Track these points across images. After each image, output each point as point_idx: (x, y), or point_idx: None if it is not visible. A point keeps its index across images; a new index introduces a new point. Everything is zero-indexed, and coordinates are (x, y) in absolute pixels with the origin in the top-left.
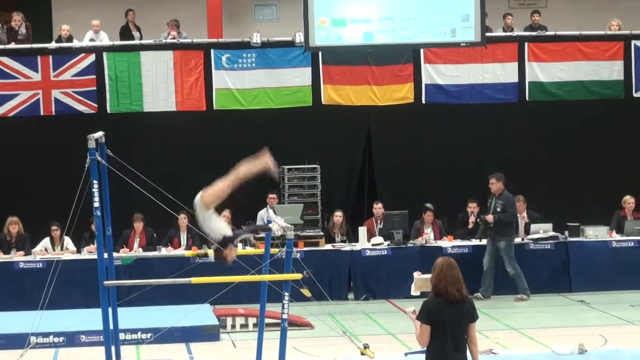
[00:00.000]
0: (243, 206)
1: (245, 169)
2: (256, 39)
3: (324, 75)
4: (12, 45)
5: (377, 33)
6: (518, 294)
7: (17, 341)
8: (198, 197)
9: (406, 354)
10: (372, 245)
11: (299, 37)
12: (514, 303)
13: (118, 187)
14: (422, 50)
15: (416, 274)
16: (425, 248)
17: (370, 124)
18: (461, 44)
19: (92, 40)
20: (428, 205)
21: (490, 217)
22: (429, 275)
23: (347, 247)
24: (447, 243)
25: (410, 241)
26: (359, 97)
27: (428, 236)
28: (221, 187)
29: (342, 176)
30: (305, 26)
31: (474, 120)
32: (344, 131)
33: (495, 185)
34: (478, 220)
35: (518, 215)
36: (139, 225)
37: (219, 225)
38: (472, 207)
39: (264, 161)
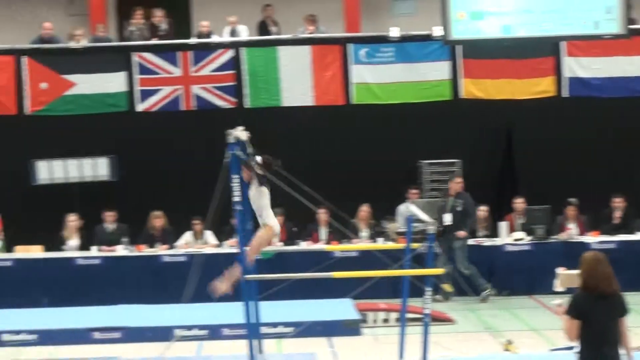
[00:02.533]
0: (382, 201)
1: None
2: (394, 33)
3: (464, 69)
4: (154, 41)
5: (516, 26)
6: (480, 294)
7: (162, 334)
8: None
9: (552, 350)
10: (514, 240)
11: (437, 31)
12: None
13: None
14: (563, 43)
15: (560, 270)
16: (569, 243)
17: (511, 117)
18: (604, 37)
19: (231, 35)
20: (571, 200)
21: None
22: (573, 271)
23: (488, 242)
24: (591, 238)
25: (553, 236)
26: (498, 91)
27: (571, 231)
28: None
29: (482, 170)
30: (444, 20)
31: (617, 114)
32: (484, 125)
33: (457, 185)
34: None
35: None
36: (278, 219)
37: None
38: (618, 202)
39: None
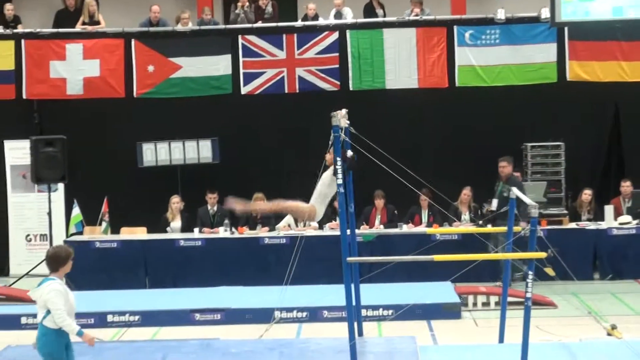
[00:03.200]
0: (485, 184)
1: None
2: (500, 15)
3: (570, 51)
4: (259, 24)
5: (627, 8)
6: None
7: (263, 315)
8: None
9: None
10: (620, 224)
11: (545, 13)
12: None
13: (360, 164)
14: None
15: None
16: None
17: (618, 100)
18: None
19: (336, 17)
20: None
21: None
22: None
23: (592, 225)
24: None
25: None
26: (606, 73)
27: None
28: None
29: (588, 154)
30: (552, 1)
31: None
32: (590, 108)
33: (507, 168)
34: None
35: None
36: (379, 202)
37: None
38: None
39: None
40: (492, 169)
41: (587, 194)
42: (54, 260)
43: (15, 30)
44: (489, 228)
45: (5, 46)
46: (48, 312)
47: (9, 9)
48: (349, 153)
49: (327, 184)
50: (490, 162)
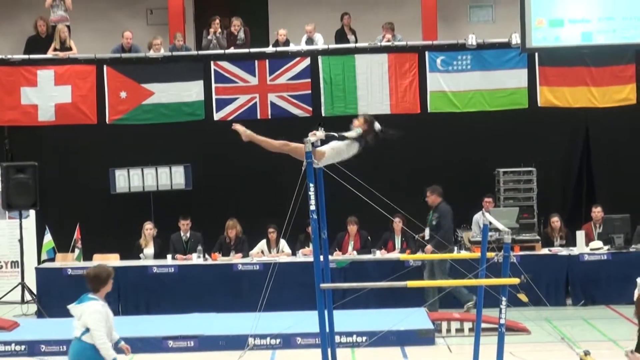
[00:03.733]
0: (457, 209)
1: (287, 148)
2: (471, 40)
3: (540, 77)
4: (231, 50)
5: (596, 33)
6: (462, 306)
7: (237, 342)
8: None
9: None
10: (591, 249)
11: (515, 39)
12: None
13: (332, 190)
14: None
15: None
16: None
17: (589, 125)
18: None
19: (307, 44)
20: None
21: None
22: None
23: (564, 251)
24: None
25: (633, 246)
26: (576, 99)
27: None
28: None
29: (559, 179)
30: (522, 27)
31: None
32: (560, 133)
33: (430, 197)
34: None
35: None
36: (353, 228)
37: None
38: None
39: (301, 153)
40: (465, 194)
41: (555, 221)
42: (96, 281)
43: None
44: (464, 254)
45: None
46: (87, 329)
47: None
48: (377, 126)
49: (348, 143)
50: (463, 187)
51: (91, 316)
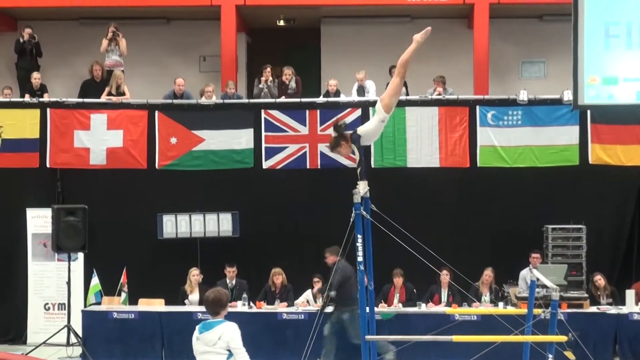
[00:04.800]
0: (505, 265)
1: (405, 56)
2: (523, 96)
3: (592, 134)
4: (282, 99)
5: None
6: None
7: None
8: (378, 102)
9: None
10: None
11: (567, 95)
12: None
13: (380, 241)
14: None
15: None
16: None
17: None
18: None
19: (359, 91)
20: None
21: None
22: None
23: (613, 310)
24: None
25: None
26: (628, 157)
27: None
28: (394, 84)
29: (609, 237)
30: (575, 84)
31: None
32: (612, 191)
33: (329, 258)
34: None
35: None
36: (398, 281)
37: (370, 129)
38: None
39: (416, 39)
40: (513, 250)
41: (598, 279)
42: (217, 304)
43: (41, 99)
44: (510, 310)
45: (31, 114)
46: (230, 354)
47: (36, 77)
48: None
49: (374, 121)
50: (511, 243)
51: (233, 334)
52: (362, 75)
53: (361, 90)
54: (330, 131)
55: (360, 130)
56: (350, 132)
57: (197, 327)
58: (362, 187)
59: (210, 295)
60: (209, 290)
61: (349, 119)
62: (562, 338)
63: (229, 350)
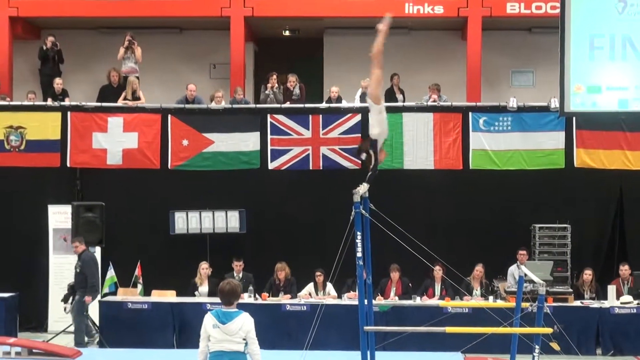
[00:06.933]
0: (494, 261)
1: (377, 47)
2: (512, 103)
3: (577, 139)
4: (287, 105)
5: (632, 101)
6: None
7: None
8: (368, 100)
9: None
10: (622, 303)
11: (554, 103)
12: None
13: (378, 238)
14: None
15: None
16: None
17: (622, 186)
18: None
19: (362, 97)
20: None
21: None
22: None
23: (595, 304)
24: None
25: None
26: (611, 161)
27: None
28: (375, 75)
29: (592, 236)
30: (561, 92)
31: None
32: (595, 193)
33: (77, 248)
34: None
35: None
36: (395, 275)
37: (376, 120)
38: None
39: (380, 30)
40: (502, 247)
41: (587, 274)
42: (232, 295)
43: (62, 103)
44: (499, 303)
45: (53, 117)
46: (245, 342)
47: (58, 82)
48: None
49: (374, 112)
50: (501, 241)
51: (251, 325)
52: (366, 83)
53: (364, 97)
54: (332, 135)
55: (372, 134)
56: (367, 141)
57: (211, 314)
58: (363, 188)
59: (226, 287)
60: (224, 281)
61: (350, 124)
62: (548, 330)
63: (244, 339)
